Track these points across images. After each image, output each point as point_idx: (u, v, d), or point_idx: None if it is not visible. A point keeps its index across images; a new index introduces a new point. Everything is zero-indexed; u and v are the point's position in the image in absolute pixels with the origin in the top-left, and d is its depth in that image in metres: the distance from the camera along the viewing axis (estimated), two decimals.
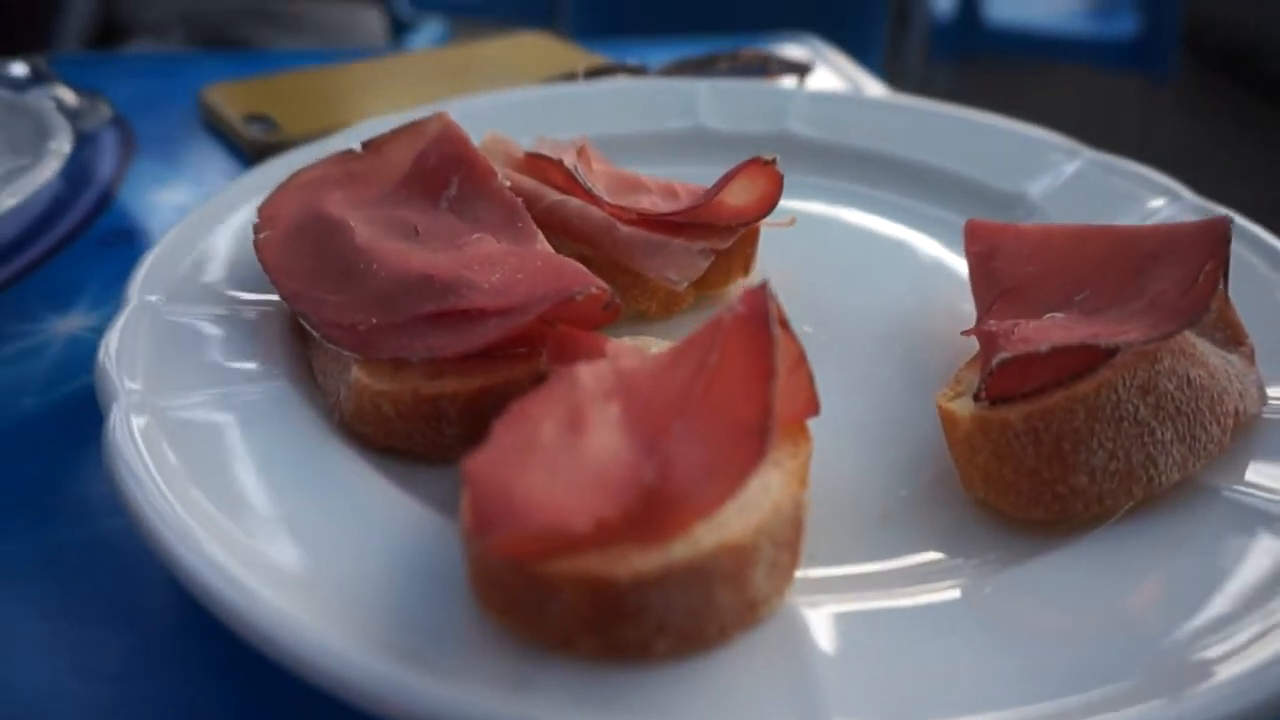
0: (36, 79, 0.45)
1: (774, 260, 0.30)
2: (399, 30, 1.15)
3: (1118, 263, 0.21)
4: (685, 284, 0.27)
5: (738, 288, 0.30)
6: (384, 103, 0.45)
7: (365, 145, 0.29)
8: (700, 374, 0.16)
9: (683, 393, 0.16)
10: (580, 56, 0.52)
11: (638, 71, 0.45)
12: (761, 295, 0.17)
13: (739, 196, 0.29)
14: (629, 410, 0.17)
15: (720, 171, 0.38)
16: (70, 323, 0.30)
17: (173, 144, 0.46)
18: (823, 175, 0.37)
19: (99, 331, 0.30)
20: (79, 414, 0.26)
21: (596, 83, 0.42)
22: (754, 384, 0.16)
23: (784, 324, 0.17)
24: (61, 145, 0.32)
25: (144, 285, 0.25)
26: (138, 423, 0.20)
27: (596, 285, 0.21)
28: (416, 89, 0.47)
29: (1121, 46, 1.80)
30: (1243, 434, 0.20)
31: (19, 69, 0.44)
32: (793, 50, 0.60)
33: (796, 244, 0.31)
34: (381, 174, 0.28)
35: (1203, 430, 0.18)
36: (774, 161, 0.28)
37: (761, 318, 0.17)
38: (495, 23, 2.24)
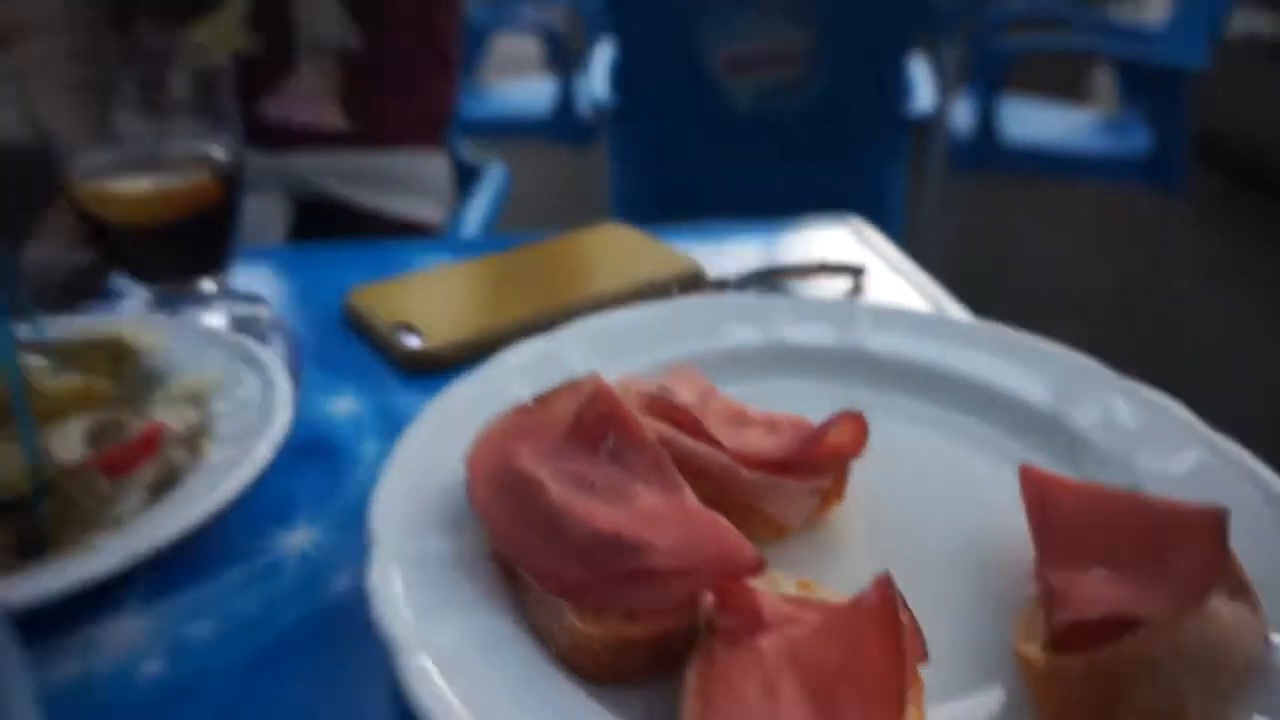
0: (220, 294, 0.53)
1: (855, 485, 0.37)
2: (464, 175, 1.26)
3: (1146, 532, 0.28)
4: (798, 519, 0.34)
5: (834, 513, 0.36)
6: (508, 308, 0.53)
7: (535, 400, 0.37)
8: (853, 652, 0.23)
9: (841, 666, 0.23)
10: (663, 253, 0.60)
11: (722, 286, 0.53)
12: (889, 590, 0.24)
13: (835, 436, 0.36)
14: (805, 679, 0.23)
15: (802, 385, 0.46)
16: (296, 538, 0.38)
17: (325, 347, 0.54)
18: (891, 390, 0.44)
19: (324, 548, 0.37)
20: (334, 627, 0.33)
21: (690, 301, 0.50)
22: (891, 660, 0.23)
23: (905, 607, 0.24)
24: (283, 383, 0.40)
25: (382, 523, 0.33)
26: (420, 662, 0.27)
27: (752, 551, 0.28)
28: (530, 291, 0.55)
29: (1134, 163, 1.90)
30: (1253, 676, 0.26)
31: (209, 286, 0.52)
32: (839, 234, 0.68)
33: (875, 469, 0.37)
34: (551, 426, 0.36)
35: (1220, 679, 0.25)
36: (862, 414, 0.35)
37: (891, 606, 0.24)
38: (547, 145, 2.37)
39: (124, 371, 0.42)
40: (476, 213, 1.10)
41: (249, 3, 0.96)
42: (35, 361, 0.38)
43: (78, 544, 0.31)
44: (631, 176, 1.78)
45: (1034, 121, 2.05)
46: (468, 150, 1.34)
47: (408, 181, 1.14)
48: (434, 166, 1.16)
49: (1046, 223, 2.48)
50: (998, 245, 2.34)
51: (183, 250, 0.51)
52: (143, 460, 0.34)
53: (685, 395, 0.39)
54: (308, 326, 0.56)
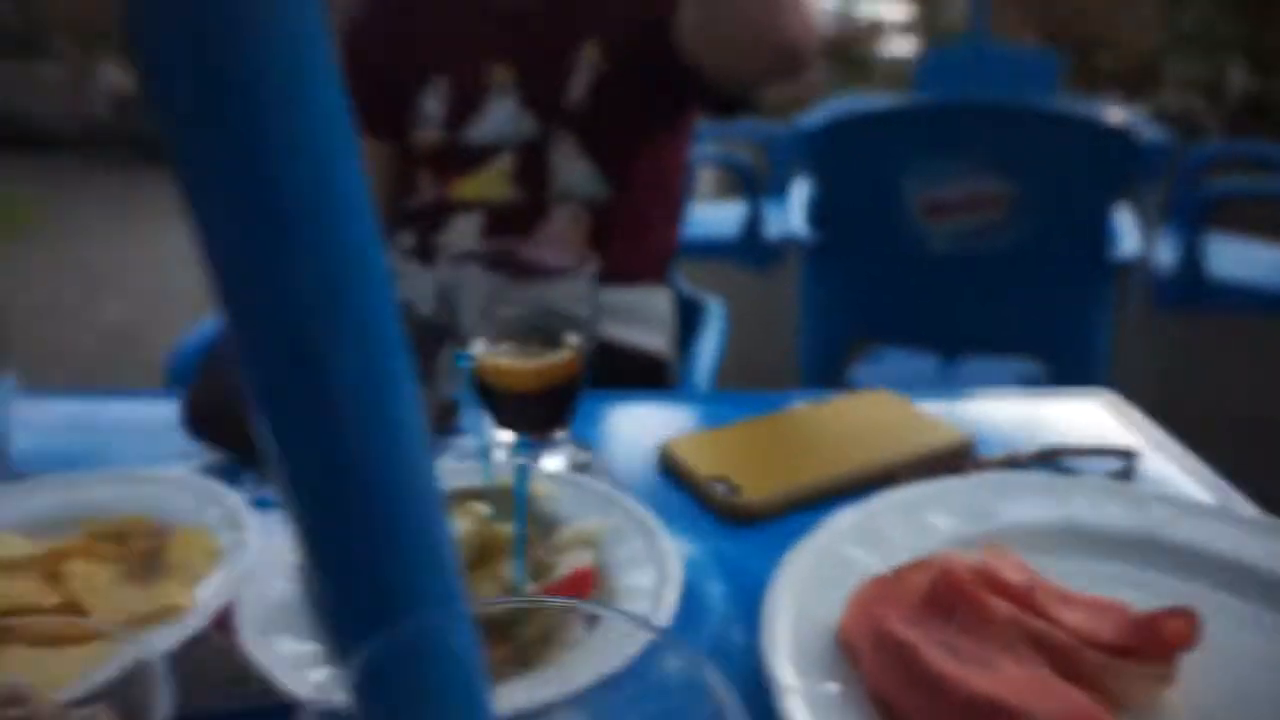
0: (565, 440, 0.64)
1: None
2: (687, 311, 1.37)
3: None
4: (1137, 699, 0.39)
5: (1164, 695, 0.41)
6: (808, 467, 0.61)
7: (892, 573, 0.44)
8: None
9: None
10: (935, 422, 0.67)
11: (1011, 464, 0.59)
12: None
13: (1170, 627, 0.41)
14: None
15: (1095, 566, 0.51)
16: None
17: (645, 491, 0.63)
18: (1189, 578, 0.49)
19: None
20: None
21: (987, 477, 0.56)
22: None
23: None
24: (664, 535, 0.49)
25: (778, 666, 0.40)
26: None
27: None
28: (824, 452, 0.63)
29: None
30: None
31: (559, 433, 0.63)
32: (1090, 408, 0.72)
33: (1195, 654, 0.42)
34: (906, 596, 0.43)
35: None
36: (1193, 611, 0.41)
37: None
38: (729, 265, 2.50)
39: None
40: (708, 351, 1.20)
41: (514, 160, 1.12)
42: (482, 508, 0.49)
43: (549, 665, 0.41)
44: (825, 305, 1.86)
45: (1240, 259, 2.00)
46: (689, 289, 1.46)
47: (638, 314, 1.25)
48: (660, 299, 1.27)
49: (1258, 361, 2.37)
50: (1207, 383, 2.25)
51: (547, 408, 0.62)
52: (583, 596, 0.44)
53: (1011, 574, 0.45)
54: (626, 470, 0.66)
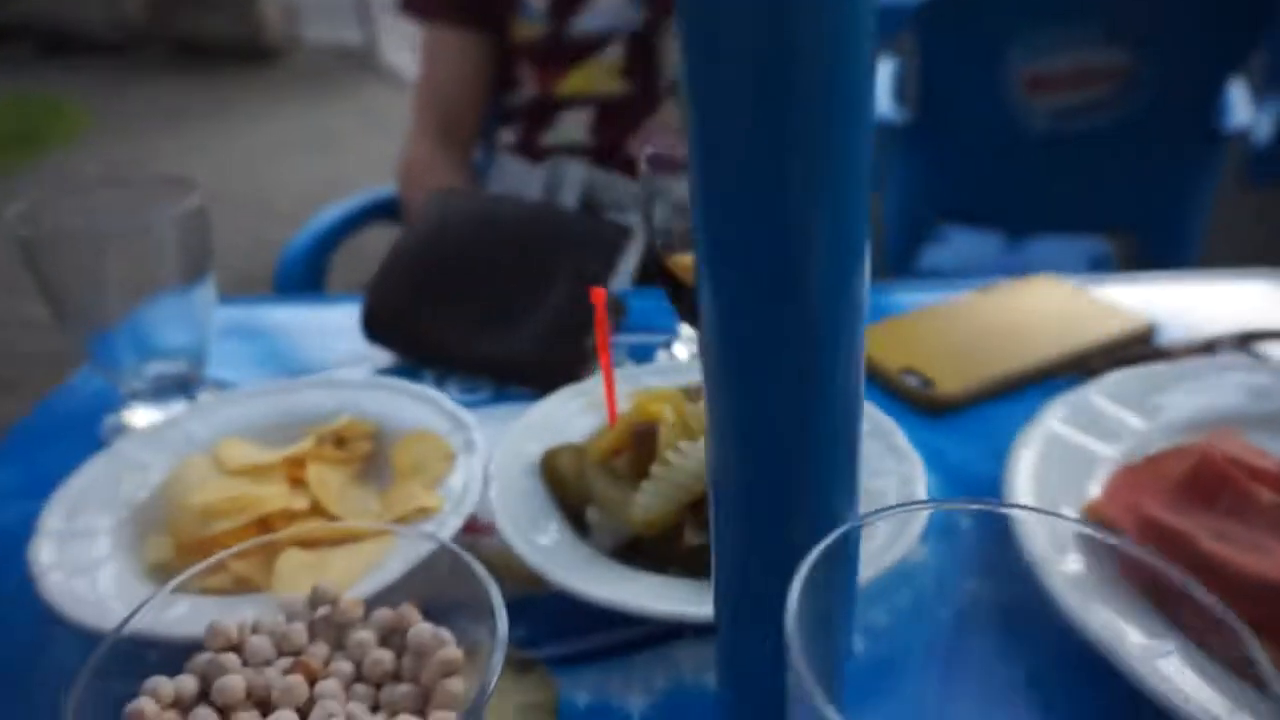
0: None
1: None
2: None
3: None
4: None
5: None
6: (995, 359, 0.61)
7: (1144, 460, 0.44)
8: None
9: None
10: (1111, 309, 0.66)
11: (1210, 348, 0.58)
12: None
13: None
14: None
15: None
16: None
17: None
18: None
19: (919, 559, 0.47)
20: (969, 625, 0.42)
21: (1183, 364, 0.56)
22: None
23: None
24: (898, 430, 0.49)
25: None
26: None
27: None
28: (1006, 342, 0.63)
29: None
30: None
31: None
32: (1259, 289, 0.71)
33: None
34: (1160, 482, 0.43)
35: None
36: None
37: None
38: None
39: None
40: None
41: (622, 52, 1.08)
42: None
43: None
44: (909, 187, 1.81)
45: None
46: None
47: None
48: None
49: None
50: None
51: None
52: None
53: (1259, 458, 0.45)
54: None
